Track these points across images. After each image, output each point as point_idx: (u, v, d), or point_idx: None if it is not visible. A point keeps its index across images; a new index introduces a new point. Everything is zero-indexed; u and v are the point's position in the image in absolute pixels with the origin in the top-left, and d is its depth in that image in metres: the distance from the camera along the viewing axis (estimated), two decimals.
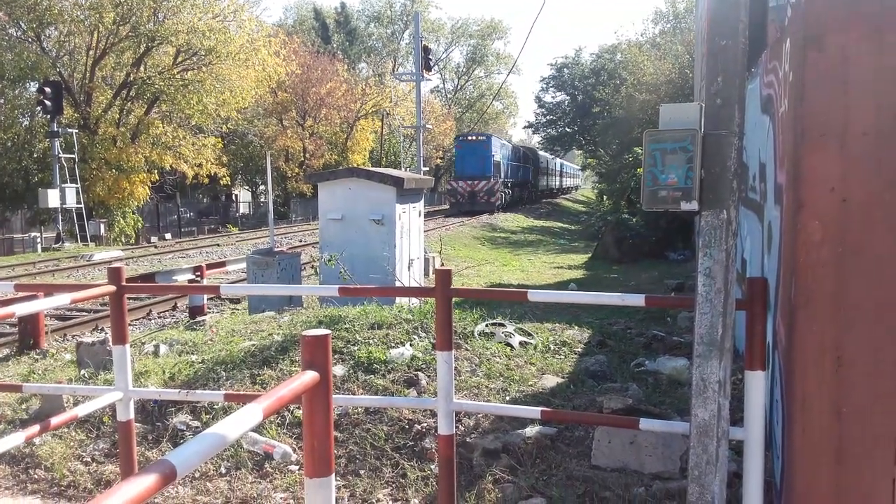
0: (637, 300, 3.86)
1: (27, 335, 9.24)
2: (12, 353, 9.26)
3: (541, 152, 70.47)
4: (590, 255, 22.89)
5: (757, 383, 3.39)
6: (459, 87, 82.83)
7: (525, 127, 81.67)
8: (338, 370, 5.77)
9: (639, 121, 36.04)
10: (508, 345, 6.46)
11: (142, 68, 31.53)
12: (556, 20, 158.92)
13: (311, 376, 2.56)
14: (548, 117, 74.32)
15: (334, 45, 62.94)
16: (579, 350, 6.56)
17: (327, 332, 2.69)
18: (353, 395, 5.47)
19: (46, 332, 9.74)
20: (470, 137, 45.24)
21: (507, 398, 5.37)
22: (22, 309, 4.23)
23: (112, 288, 4.39)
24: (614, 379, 5.76)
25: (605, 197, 41.77)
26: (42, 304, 4.56)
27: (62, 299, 4.52)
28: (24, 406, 5.79)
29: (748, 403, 3.40)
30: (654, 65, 37.61)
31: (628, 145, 32.18)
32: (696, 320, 3.24)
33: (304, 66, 44.76)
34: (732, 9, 3.17)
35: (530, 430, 4.79)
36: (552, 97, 73.33)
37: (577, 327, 7.33)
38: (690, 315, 7.26)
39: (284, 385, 2.41)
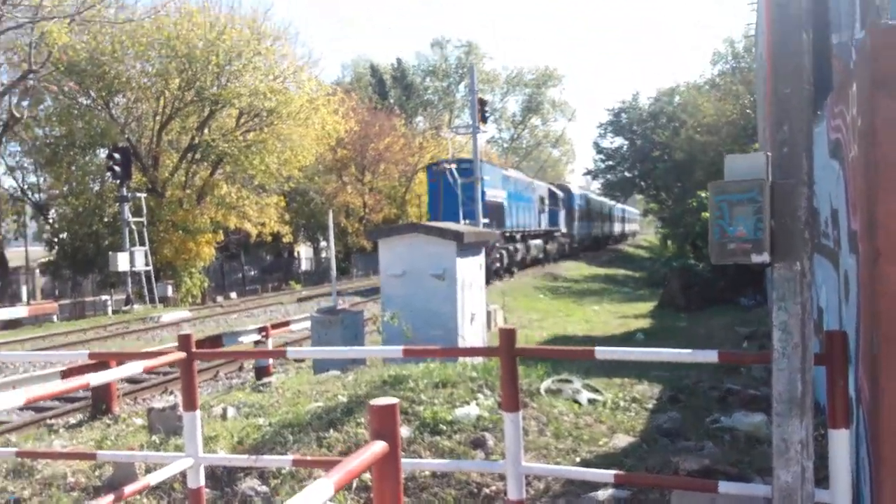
0: (710, 356, 3.74)
1: (100, 400, 9.45)
2: (85, 418, 9.48)
3: (580, 191, 58.68)
4: (656, 302, 22.48)
5: (841, 442, 3.24)
6: (516, 135, 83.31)
7: (584, 174, 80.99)
8: (403, 432, 5.72)
9: (701, 163, 35.64)
10: (576, 402, 6.33)
11: (206, 131, 32.53)
12: (611, 65, 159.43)
13: (380, 447, 2.54)
14: (607, 163, 73.82)
15: (391, 100, 64.12)
16: (650, 406, 6.39)
17: (395, 400, 2.67)
18: (420, 457, 5.41)
19: (118, 397, 9.95)
20: (446, 166, 29.09)
21: (577, 459, 5.24)
22: (96, 379, 4.31)
23: (182, 355, 4.45)
24: (689, 437, 5.57)
25: (669, 242, 41.02)
26: (115, 374, 4.66)
27: (135, 367, 4.61)
28: (97, 473, 5.88)
29: (833, 464, 3.25)
30: (715, 106, 37.22)
31: (691, 189, 31.79)
32: (773, 377, 3.12)
33: (362, 123, 45.57)
34: (795, 55, 3.10)
35: (603, 494, 4.65)
36: (610, 142, 72.94)
37: (646, 382, 7.15)
38: (766, 366, 7.02)
39: (354, 456, 2.39)
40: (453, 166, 28.85)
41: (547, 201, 41.83)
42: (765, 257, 3.11)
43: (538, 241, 38.55)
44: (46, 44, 24.65)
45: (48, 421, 9.67)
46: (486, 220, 27.37)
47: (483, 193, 27.60)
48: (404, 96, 67.92)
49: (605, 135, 72.61)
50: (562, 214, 46.06)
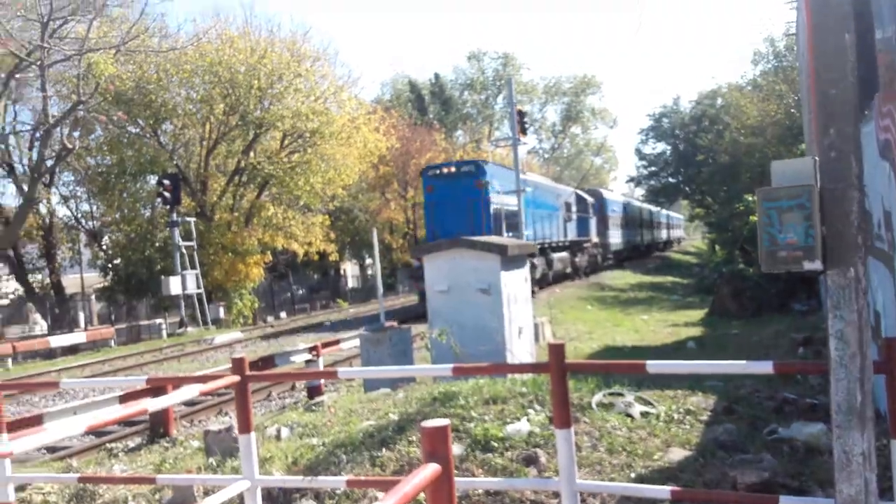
0: (765, 367, 3.67)
1: (158, 424, 9.64)
2: (144, 441, 9.67)
3: (621, 197, 54.64)
4: (706, 310, 22.14)
5: None
6: (557, 145, 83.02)
7: (627, 181, 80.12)
8: (455, 450, 5.71)
9: (746, 166, 35.09)
10: (629, 415, 6.26)
11: (252, 154, 33.10)
12: (650, 71, 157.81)
13: (433, 469, 2.55)
14: (650, 169, 73.09)
15: (431, 115, 64.36)
16: (705, 418, 6.28)
17: (446, 422, 2.68)
18: (472, 475, 5.39)
19: (175, 419, 10.13)
20: (445, 169, 26.36)
21: (632, 474, 5.17)
22: (154, 405, 4.42)
23: (237, 378, 4.53)
24: (746, 449, 5.45)
25: (717, 247, 40.26)
26: (172, 399, 4.75)
27: (191, 391, 4.70)
28: (157, 496, 5.98)
29: None
30: (758, 107, 36.60)
31: (738, 192, 31.28)
32: (831, 387, 3.05)
33: (403, 139, 45.77)
34: (839, 54, 3.03)
35: None
36: (652, 148, 72.26)
37: (700, 393, 7.02)
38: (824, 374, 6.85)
39: (407, 480, 2.40)
40: (451, 170, 25.42)
41: (574, 208, 37.81)
42: (817, 265, 3.06)
43: (563, 254, 34.07)
44: (94, 75, 25.30)
45: (108, 445, 9.88)
46: (493, 232, 24.50)
47: (489, 201, 25.00)
48: (443, 111, 68.10)
49: (647, 141, 72.04)
50: (593, 222, 41.82)
